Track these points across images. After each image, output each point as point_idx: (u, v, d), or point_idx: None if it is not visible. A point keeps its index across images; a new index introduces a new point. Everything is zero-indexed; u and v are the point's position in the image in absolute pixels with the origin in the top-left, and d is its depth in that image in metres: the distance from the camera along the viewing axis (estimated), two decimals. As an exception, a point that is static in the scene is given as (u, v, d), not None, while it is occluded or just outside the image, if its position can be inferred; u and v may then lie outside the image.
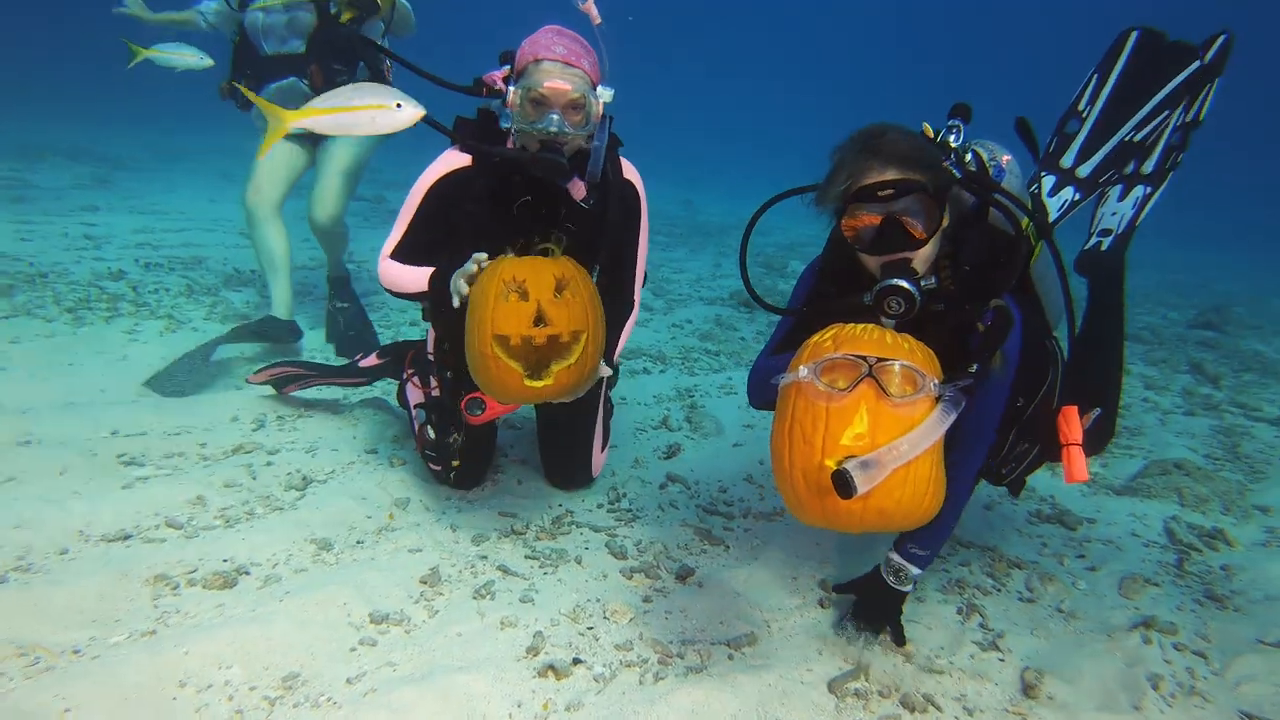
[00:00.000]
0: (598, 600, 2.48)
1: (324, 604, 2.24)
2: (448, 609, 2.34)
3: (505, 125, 2.56)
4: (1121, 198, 2.88)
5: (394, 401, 3.77)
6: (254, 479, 2.90)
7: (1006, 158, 2.36)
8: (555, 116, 2.44)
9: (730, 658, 2.30)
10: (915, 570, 2.38)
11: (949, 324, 2.11)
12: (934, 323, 2.11)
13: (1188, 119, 2.82)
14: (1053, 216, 2.80)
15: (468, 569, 2.56)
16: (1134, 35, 2.81)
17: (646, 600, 2.53)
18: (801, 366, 1.73)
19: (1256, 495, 3.97)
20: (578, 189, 2.62)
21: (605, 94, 2.51)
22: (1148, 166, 2.85)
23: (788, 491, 1.79)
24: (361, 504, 2.82)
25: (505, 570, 2.57)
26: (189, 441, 3.13)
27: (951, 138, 2.18)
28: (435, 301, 2.56)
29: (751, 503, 3.31)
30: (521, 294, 2.23)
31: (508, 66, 2.61)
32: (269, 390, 3.64)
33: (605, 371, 2.58)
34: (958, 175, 2.12)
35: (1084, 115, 2.84)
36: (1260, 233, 19.81)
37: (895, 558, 2.39)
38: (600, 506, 3.11)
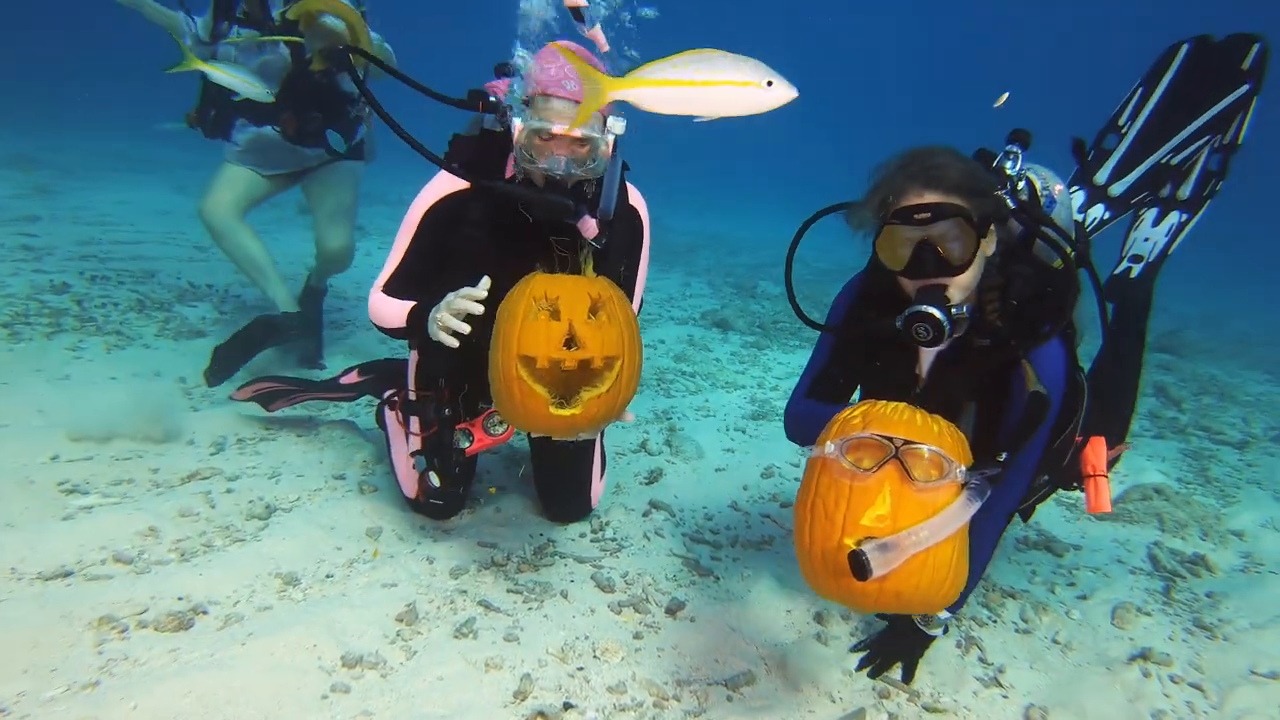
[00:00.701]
0: (586, 637, 2.33)
1: (292, 646, 2.05)
2: (427, 649, 2.17)
3: (511, 143, 2.41)
4: (1156, 223, 2.80)
5: (363, 423, 3.59)
6: (212, 508, 2.69)
7: (1059, 187, 2.30)
8: (563, 159, 2.31)
9: (729, 699, 2.17)
10: (946, 614, 2.33)
11: (993, 360, 2.05)
12: (979, 358, 2.07)
13: (1225, 141, 2.73)
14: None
15: (447, 605, 2.39)
16: (1184, 48, 2.73)
17: (637, 637, 2.39)
18: (829, 443, 1.71)
19: (1231, 520, 3.97)
20: (588, 227, 2.42)
21: (617, 125, 2.34)
22: (1184, 191, 2.77)
23: (805, 564, 1.76)
24: (330, 534, 2.63)
25: (487, 606, 2.41)
26: (140, 467, 2.91)
27: (1008, 164, 2.12)
28: (417, 340, 2.44)
29: (739, 531, 3.20)
30: (553, 313, 2.06)
31: (505, 80, 2.48)
32: (232, 411, 3.44)
33: (628, 417, 2.37)
34: (1011, 205, 2.06)
35: (1123, 131, 2.78)
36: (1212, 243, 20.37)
37: None
38: (583, 536, 2.96)
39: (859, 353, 2.34)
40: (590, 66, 2.03)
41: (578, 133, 2.26)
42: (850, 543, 1.60)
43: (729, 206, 16.21)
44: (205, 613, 2.17)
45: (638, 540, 2.98)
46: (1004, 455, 1.88)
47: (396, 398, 2.80)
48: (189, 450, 3.12)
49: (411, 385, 2.74)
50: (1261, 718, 2.45)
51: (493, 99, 2.48)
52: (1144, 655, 2.65)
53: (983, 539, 2.20)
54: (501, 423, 2.60)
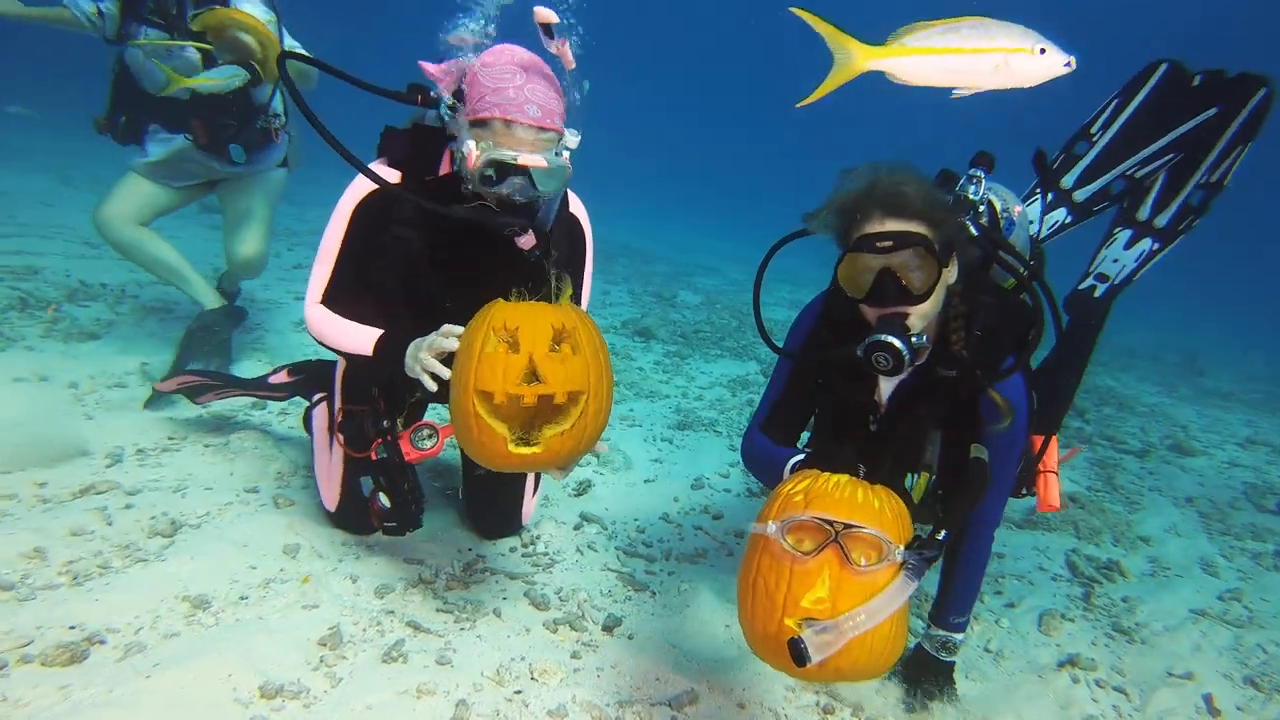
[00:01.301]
0: (523, 658, 2.22)
1: (203, 677, 1.88)
2: (353, 676, 2.02)
3: (447, 137, 2.26)
4: (1129, 245, 2.84)
5: (277, 430, 3.38)
6: (109, 525, 2.46)
7: (1018, 209, 2.33)
8: (520, 182, 2.11)
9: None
10: (959, 637, 2.35)
11: (959, 390, 2.07)
12: (943, 388, 2.09)
13: (1212, 179, 2.78)
14: (1042, 234, 2.79)
15: (373, 627, 2.24)
16: (1162, 68, 2.78)
17: (575, 656, 2.30)
18: (770, 522, 1.71)
19: (1139, 526, 4.16)
20: (524, 238, 2.26)
21: (572, 140, 2.17)
22: (1162, 220, 2.81)
23: (747, 634, 1.79)
24: (244, 552, 2.44)
25: (416, 627, 2.27)
26: (23, 481, 2.64)
27: (971, 189, 2.13)
28: (386, 369, 2.25)
29: (671, 544, 3.14)
30: (512, 345, 1.92)
31: (442, 65, 2.31)
32: (130, 420, 3.19)
33: (601, 447, 2.24)
34: (974, 231, 2.07)
35: (1094, 140, 2.83)
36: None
37: (939, 633, 2.36)
38: (514, 550, 2.85)
39: (817, 379, 2.32)
40: (840, 32, 1.84)
41: (542, 163, 2.08)
42: (791, 623, 1.62)
43: (638, 214, 16.26)
44: (102, 643, 1.96)
45: (570, 555, 2.89)
46: (943, 534, 1.86)
47: (338, 413, 2.58)
48: (82, 462, 2.85)
49: (339, 396, 2.57)
50: (1181, 718, 2.54)
51: (434, 94, 2.29)
52: (1072, 661, 2.72)
53: (976, 568, 2.26)
54: (430, 437, 2.47)
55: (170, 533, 2.47)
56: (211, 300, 4.01)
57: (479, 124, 2.10)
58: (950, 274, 2.01)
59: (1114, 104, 2.86)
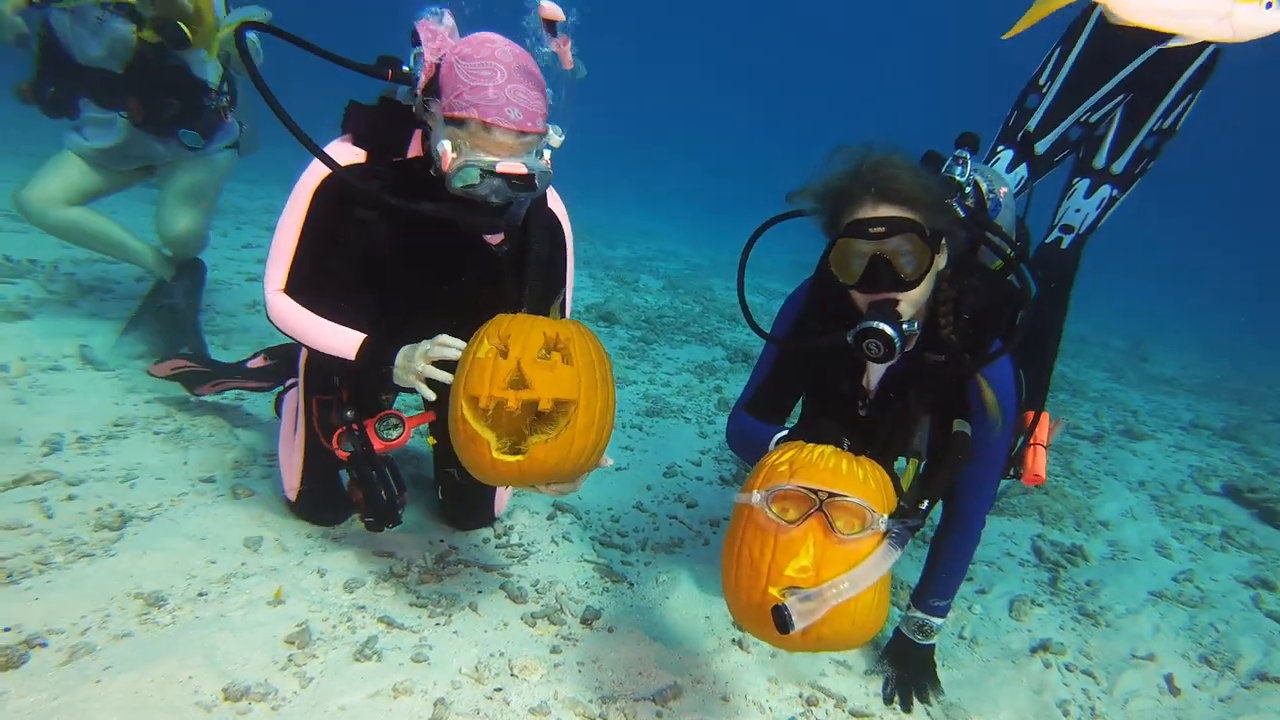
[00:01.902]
0: (501, 654, 2.14)
1: (161, 680, 1.75)
2: (324, 676, 1.91)
3: (414, 111, 2.11)
4: (1088, 194, 2.85)
5: (233, 415, 3.21)
6: (49, 518, 2.29)
7: (1004, 189, 2.31)
8: (498, 183, 1.98)
9: (659, 715, 2.04)
10: (938, 622, 2.33)
11: (948, 375, 2.05)
12: (932, 373, 2.06)
13: (1164, 126, 2.80)
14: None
15: (344, 623, 2.12)
16: (1097, 11, 2.76)
17: (555, 651, 2.22)
18: (755, 492, 1.70)
19: (1098, 510, 4.23)
20: (494, 235, 2.18)
21: (555, 139, 2.05)
22: (1118, 166, 2.83)
23: (732, 605, 1.78)
24: (201, 545, 2.30)
25: (389, 622, 2.16)
26: (-47, 470, 2.46)
27: (958, 170, 2.11)
28: (370, 371, 2.13)
29: (647, 533, 3.08)
30: (503, 351, 1.85)
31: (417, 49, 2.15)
32: (70, 404, 2.99)
33: (606, 462, 2.10)
34: (961, 213, 2.04)
35: (1044, 90, 2.82)
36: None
37: (917, 615, 2.35)
38: (487, 542, 2.75)
39: (805, 365, 2.28)
40: None
41: (522, 170, 1.96)
42: (775, 592, 1.61)
43: (596, 196, 16.11)
44: (43, 645, 1.81)
45: (545, 545, 2.80)
46: (925, 504, 1.90)
47: (313, 405, 2.42)
48: (15, 450, 2.66)
49: (302, 385, 2.44)
50: (1147, 700, 2.59)
51: (405, 67, 2.12)
52: (1043, 646, 2.74)
53: (962, 553, 2.26)
54: (397, 426, 2.35)
55: (118, 526, 2.31)
56: (161, 267, 3.79)
57: (455, 122, 1.96)
58: (941, 260, 1.99)
59: (1057, 52, 2.85)
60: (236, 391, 3.42)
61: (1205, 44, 2.67)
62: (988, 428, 2.07)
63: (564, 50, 1.94)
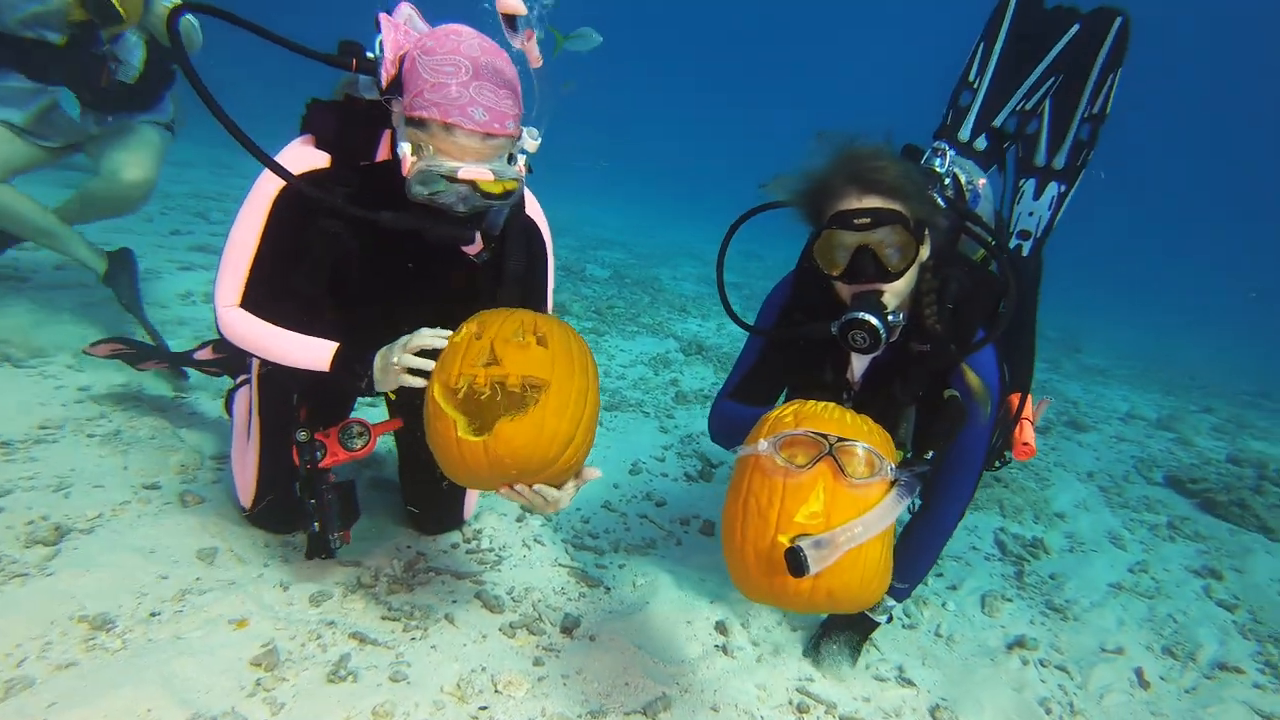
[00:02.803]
0: (483, 669, 2.03)
1: (116, 715, 1.59)
2: (297, 701, 1.77)
3: (380, 108, 1.90)
4: (1037, 195, 2.86)
5: (175, 414, 2.99)
6: (-25, 533, 2.09)
7: (982, 181, 2.31)
8: (465, 190, 1.81)
9: (652, 729, 1.96)
10: (892, 603, 2.33)
11: (933, 365, 2.04)
12: (916, 362, 2.05)
13: (1094, 111, 2.81)
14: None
15: (313, 641, 1.98)
16: (1013, 1, 2.79)
17: (538, 664, 2.11)
18: (761, 440, 1.68)
19: (1053, 502, 4.31)
20: (469, 245, 2.02)
21: (530, 143, 1.89)
22: (1059, 162, 2.84)
23: (736, 565, 1.70)
24: (150, 560, 2.11)
25: (362, 638, 2.03)
26: None
27: (937, 162, 2.11)
28: (344, 381, 1.96)
29: (619, 534, 2.99)
30: (478, 335, 1.77)
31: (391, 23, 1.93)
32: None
33: (593, 473, 1.97)
34: (942, 204, 2.05)
35: (975, 86, 2.82)
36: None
37: None
38: (456, 547, 2.62)
39: (789, 356, 2.24)
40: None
41: (488, 176, 1.78)
42: (784, 540, 1.56)
43: (538, 183, 15.91)
44: (-22, 676, 1.64)
45: (517, 550, 2.68)
46: (930, 454, 1.91)
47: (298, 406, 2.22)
48: (-68, 456, 2.43)
49: (255, 394, 2.27)
50: (1120, 694, 2.62)
51: (370, 54, 1.93)
52: (1019, 643, 2.76)
53: (935, 541, 2.21)
54: (361, 435, 2.20)
55: (54, 540, 2.11)
56: (95, 260, 3.55)
57: (416, 123, 1.78)
58: (924, 250, 1.99)
59: (981, 47, 2.87)
60: (175, 387, 3.21)
61: (1113, 21, 2.72)
62: (974, 412, 2.05)
63: (530, 47, 1.78)
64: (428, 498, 2.57)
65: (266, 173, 1.91)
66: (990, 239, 2.12)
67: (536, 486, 1.81)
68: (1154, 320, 15.48)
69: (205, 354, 2.93)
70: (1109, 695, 2.60)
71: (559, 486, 1.86)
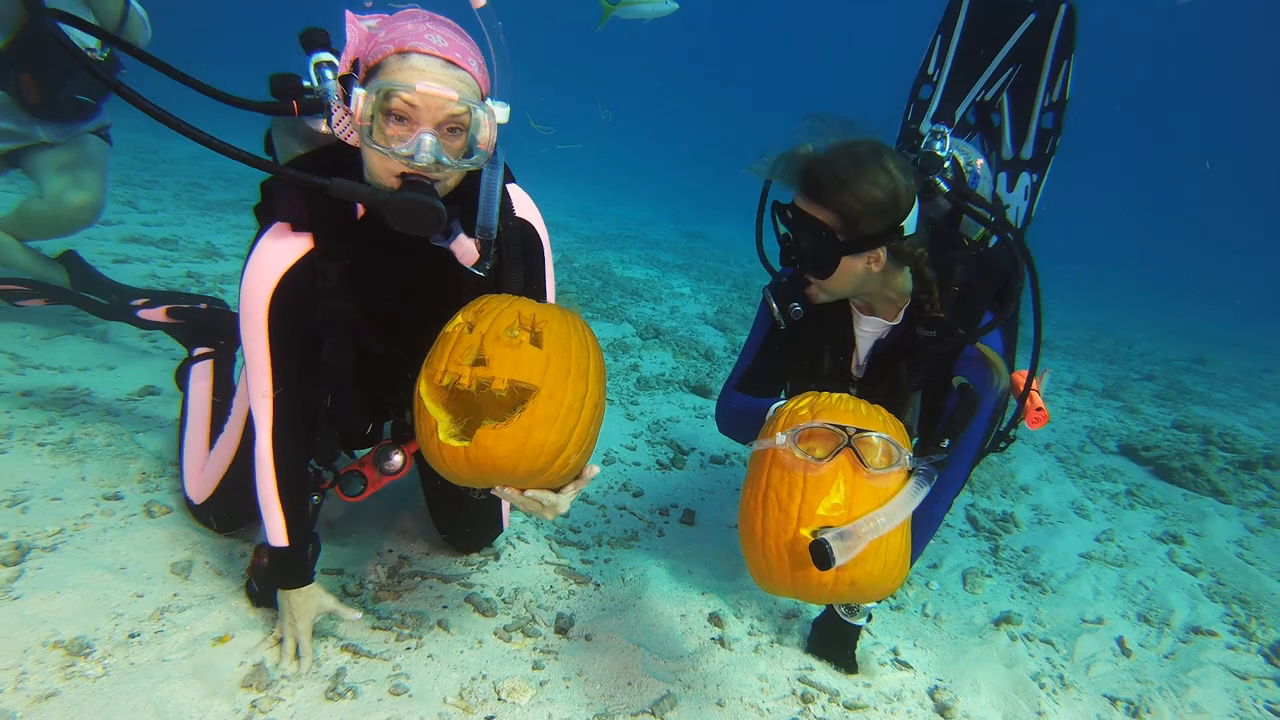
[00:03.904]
0: (484, 676, 1.97)
1: (104, 749, 1.49)
2: (295, 722, 1.69)
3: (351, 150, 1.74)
4: (1010, 188, 2.86)
5: (128, 417, 2.84)
6: (-72, 556, 1.94)
7: (980, 161, 2.29)
8: (428, 139, 1.58)
9: (662, 728, 1.93)
10: (872, 605, 2.30)
11: (938, 349, 2.03)
12: (924, 348, 2.04)
13: (1053, 99, 2.81)
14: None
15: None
16: None
17: (537, 668, 2.06)
18: (779, 434, 1.65)
19: (1017, 476, 4.39)
20: (464, 249, 1.79)
21: (500, 111, 1.67)
22: (1026, 152, 2.84)
23: (757, 559, 1.67)
24: (122, 577, 2.00)
25: (356, 651, 1.95)
26: None
27: (937, 145, 2.08)
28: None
29: (600, 528, 2.94)
30: (471, 325, 1.64)
31: (323, 54, 1.77)
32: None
33: (592, 471, 1.81)
34: (945, 189, 2.06)
35: (934, 79, 2.81)
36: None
37: None
38: (439, 548, 2.54)
39: (791, 342, 2.22)
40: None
41: (452, 95, 1.56)
42: (807, 533, 1.56)
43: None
44: (-54, 713, 1.52)
45: (500, 547, 2.62)
46: (946, 442, 1.91)
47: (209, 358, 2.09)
48: None
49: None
50: (1105, 664, 2.68)
51: (307, 87, 1.73)
52: (1006, 619, 2.80)
53: (927, 527, 2.20)
54: (398, 451, 2.12)
55: (15, 560, 1.98)
56: (54, 272, 3.40)
57: (373, 71, 1.60)
58: (859, 265, 1.93)
59: (939, 39, 2.86)
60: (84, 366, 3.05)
61: (1058, 8, 2.73)
62: (988, 387, 2.05)
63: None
64: (459, 511, 2.42)
65: (250, 267, 1.74)
66: (990, 216, 2.11)
67: (531, 491, 1.70)
68: (1088, 287, 15.95)
69: (155, 314, 2.74)
70: (1095, 665, 2.66)
71: (557, 490, 1.76)
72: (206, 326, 2.66)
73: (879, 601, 2.37)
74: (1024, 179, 2.84)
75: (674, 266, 9.48)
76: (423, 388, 1.64)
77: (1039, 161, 2.88)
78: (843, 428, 1.61)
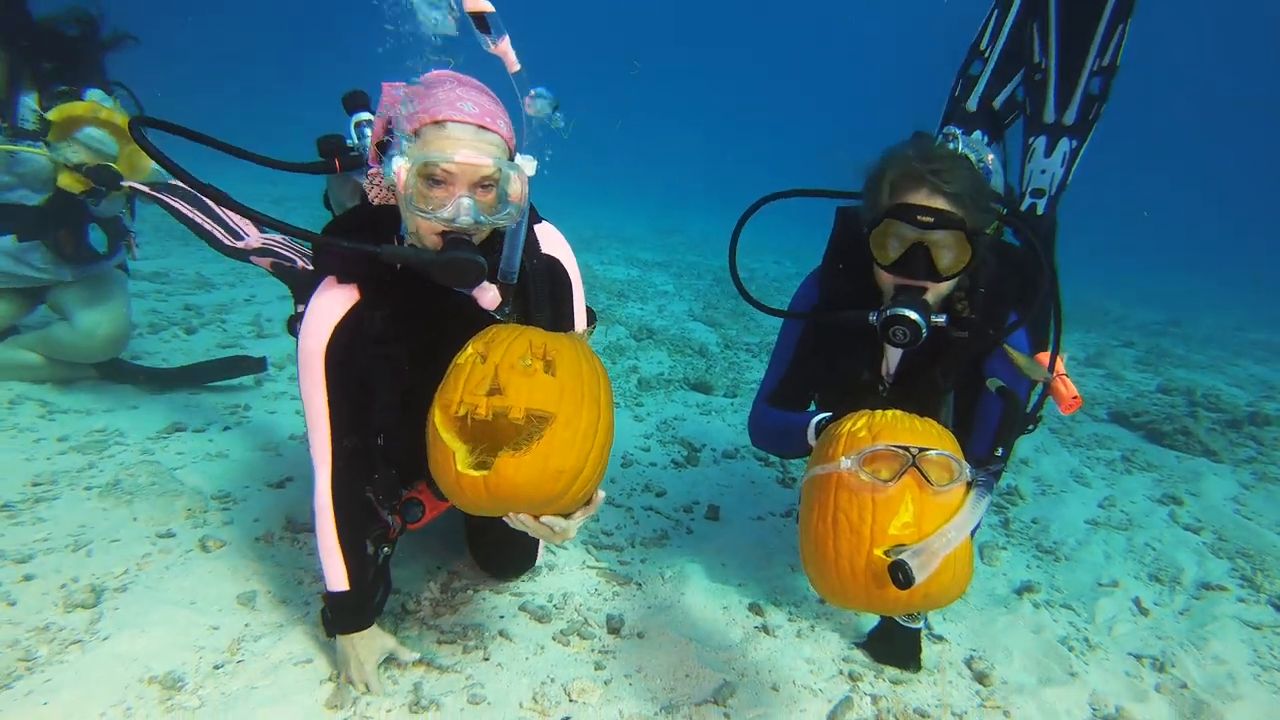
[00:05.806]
0: (552, 680, 2.06)
1: (218, 775, 1.58)
2: (387, 737, 1.78)
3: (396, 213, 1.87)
4: (1049, 153, 2.83)
5: (165, 456, 2.90)
6: (11, 605, 2.00)
7: (990, 156, 2.35)
8: (467, 202, 1.71)
9: (727, 717, 2.04)
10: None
11: (971, 350, 2.08)
12: (955, 348, 2.09)
13: (1104, 63, 2.77)
14: None
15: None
16: None
17: (599, 668, 2.16)
18: (843, 458, 1.68)
19: (1015, 450, 4.54)
20: (486, 295, 1.86)
21: (527, 166, 1.79)
22: (1069, 117, 2.81)
23: (830, 578, 1.70)
24: (195, 611, 2.07)
25: (429, 664, 2.04)
26: None
27: (952, 147, 2.13)
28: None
29: (630, 529, 3.04)
30: (484, 356, 1.68)
31: (363, 114, 1.91)
32: None
33: (600, 497, 1.86)
34: (1004, 212, 2.07)
35: (987, 55, 2.83)
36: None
37: None
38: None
39: (822, 352, 2.28)
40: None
41: (486, 162, 1.69)
42: (880, 553, 1.60)
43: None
44: (57, 753, 1.59)
45: (541, 556, 2.71)
46: (1000, 450, 1.92)
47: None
48: (-73, 528, 2.31)
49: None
50: (1125, 624, 2.81)
51: (351, 145, 1.85)
52: (1027, 588, 2.93)
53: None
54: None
55: (93, 602, 2.05)
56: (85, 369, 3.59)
57: (413, 139, 1.72)
58: (971, 259, 2.00)
59: (995, 15, 2.87)
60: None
61: None
62: (1022, 386, 2.13)
63: (505, 51, 1.71)
64: (498, 538, 2.47)
65: (305, 331, 1.87)
66: (1003, 210, 2.13)
67: (545, 518, 1.75)
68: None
69: (262, 262, 2.73)
70: (1116, 626, 2.79)
71: (568, 516, 1.81)
72: (311, 286, 2.67)
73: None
74: (1063, 144, 2.82)
75: (654, 264, 9.58)
76: (437, 419, 1.66)
77: (1081, 128, 2.83)
78: (905, 448, 1.65)
